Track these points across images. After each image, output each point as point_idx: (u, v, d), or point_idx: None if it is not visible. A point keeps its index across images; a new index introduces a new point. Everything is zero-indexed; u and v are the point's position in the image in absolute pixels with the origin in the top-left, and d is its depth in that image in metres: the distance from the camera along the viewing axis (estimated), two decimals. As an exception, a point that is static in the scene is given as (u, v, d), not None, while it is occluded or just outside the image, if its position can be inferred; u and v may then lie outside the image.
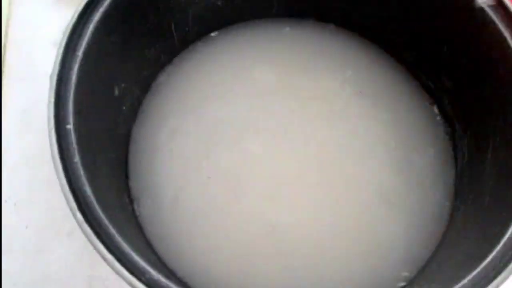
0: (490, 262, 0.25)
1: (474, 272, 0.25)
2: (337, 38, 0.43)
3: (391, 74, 0.41)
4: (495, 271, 0.24)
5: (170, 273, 0.33)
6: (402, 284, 0.33)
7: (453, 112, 0.38)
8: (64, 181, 0.25)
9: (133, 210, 0.35)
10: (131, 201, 0.36)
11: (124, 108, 0.37)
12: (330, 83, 0.41)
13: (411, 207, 0.37)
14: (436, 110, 0.40)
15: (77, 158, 0.26)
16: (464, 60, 0.35)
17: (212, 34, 0.44)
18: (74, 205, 0.25)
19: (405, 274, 0.34)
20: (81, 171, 0.26)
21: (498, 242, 0.25)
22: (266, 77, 0.42)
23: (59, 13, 0.49)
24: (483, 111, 0.34)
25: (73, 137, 0.27)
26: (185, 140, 0.39)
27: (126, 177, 0.38)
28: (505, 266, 0.24)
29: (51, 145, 0.26)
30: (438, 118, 0.39)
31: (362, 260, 0.35)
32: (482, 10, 0.30)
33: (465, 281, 0.24)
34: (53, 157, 0.26)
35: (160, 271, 0.25)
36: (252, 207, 0.37)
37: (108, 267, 0.40)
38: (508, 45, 0.30)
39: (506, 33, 0.30)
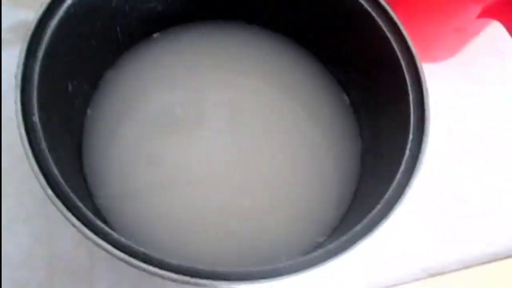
0: (375, 214, 0.33)
1: (364, 221, 0.33)
2: (262, 38, 0.50)
3: (309, 67, 0.49)
4: (379, 220, 0.33)
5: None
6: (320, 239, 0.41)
7: (358, 100, 0.46)
8: (35, 165, 0.30)
9: (87, 189, 0.40)
10: (86, 183, 0.41)
11: (76, 102, 0.42)
12: (257, 80, 0.48)
13: (322, 180, 0.45)
14: (346, 97, 0.48)
15: (43, 145, 0.31)
16: (361, 59, 0.43)
17: (154, 35, 0.49)
18: (44, 183, 0.30)
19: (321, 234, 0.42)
20: (48, 156, 0.31)
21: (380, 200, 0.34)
22: (200, 75, 0.48)
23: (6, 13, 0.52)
24: (378, 102, 0.42)
25: (39, 127, 0.32)
26: (128, 131, 0.45)
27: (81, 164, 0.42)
28: (384, 216, 0.33)
29: (20, 135, 0.31)
30: (347, 103, 0.48)
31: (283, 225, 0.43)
32: (367, 13, 0.38)
33: (357, 228, 0.32)
34: (23, 145, 0.31)
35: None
36: (189, 191, 0.43)
37: (66, 246, 0.45)
38: (389, 43, 0.38)
39: (386, 32, 0.38)
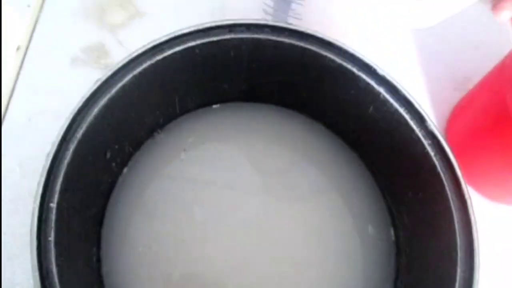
0: None
1: None
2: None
3: (368, 193, 0.45)
4: None
5: None
6: None
7: (403, 244, 0.41)
8: (35, 256, 0.29)
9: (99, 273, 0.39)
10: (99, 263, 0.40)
11: (113, 165, 0.41)
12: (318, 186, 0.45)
13: None
14: (392, 233, 0.43)
15: (52, 237, 0.30)
16: (420, 205, 0.38)
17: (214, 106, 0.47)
18: (37, 278, 0.29)
19: None
20: (52, 250, 0.30)
21: None
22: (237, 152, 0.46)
23: (83, 29, 0.53)
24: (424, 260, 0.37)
25: (53, 215, 0.31)
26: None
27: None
28: None
29: (32, 222, 0.30)
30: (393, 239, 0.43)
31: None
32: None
33: None
34: (31, 233, 0.30)
35: None
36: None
37: None
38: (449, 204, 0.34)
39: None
